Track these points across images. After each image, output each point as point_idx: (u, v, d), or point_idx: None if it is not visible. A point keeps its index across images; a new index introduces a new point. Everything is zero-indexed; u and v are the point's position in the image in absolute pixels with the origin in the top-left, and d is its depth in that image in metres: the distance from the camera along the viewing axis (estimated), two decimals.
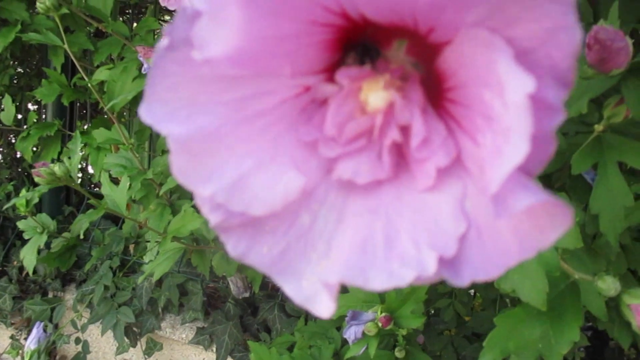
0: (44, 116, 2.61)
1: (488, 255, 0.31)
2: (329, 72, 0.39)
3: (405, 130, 0.36)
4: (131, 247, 2.20)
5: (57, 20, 1.39)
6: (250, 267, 0.36)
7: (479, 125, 0.30)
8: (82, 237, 1.55)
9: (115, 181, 1.52)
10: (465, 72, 0.32)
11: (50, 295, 2.37)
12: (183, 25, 0.31)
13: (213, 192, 0.32)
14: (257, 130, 0.35)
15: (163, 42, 0.32)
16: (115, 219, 2.27)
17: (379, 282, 0.30)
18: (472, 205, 0.33)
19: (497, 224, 0.31)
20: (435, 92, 0.37)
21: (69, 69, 2.34)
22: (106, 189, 1.33)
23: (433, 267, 0.30)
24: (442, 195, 0.33)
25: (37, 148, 1.98)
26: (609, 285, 0.73)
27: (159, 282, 2.11)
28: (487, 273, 0.31)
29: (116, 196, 1.32)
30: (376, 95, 0.34)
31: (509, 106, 0.26)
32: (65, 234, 1.88)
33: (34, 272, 2.19)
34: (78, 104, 2.66)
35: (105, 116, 1.80)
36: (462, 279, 0.31)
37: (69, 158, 1.16)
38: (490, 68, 0.28)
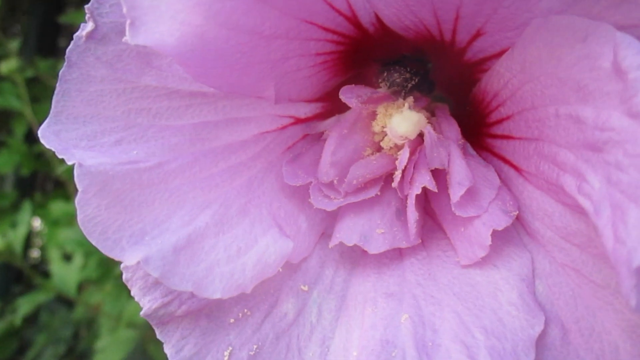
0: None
1: None
2: (329, 102, 0.29)
3: (437, 176, 0.25)
4: (84, 330, 1.99)
5: (21, 84, 1.32)
6: None
7: (567, 162, 0.19)
8: (18, 324, 1.37)
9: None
10: (535, 87, 0.21)
11: None
12: (116, 3, 0.21)
13: (144, 258, 0.20)
14: (223, 171, 0.24)
15: (85, 28, 0.21)
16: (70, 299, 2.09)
17: None
18: (547, 289, 0.21)
19: (598, 319, 0.19)
20: (475, 131, 0.27)
21: (35, 140, 2.23)
22: (56, 267, 1.18)
23: None
24: (498, 273, 0.22)
25: None
26: None
27: None
28: None
29: (67, 275, 1.17)
30: (402, 119, 0.23)
31: None
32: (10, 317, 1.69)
33: None
34: (43, 176, 2.53)
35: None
36: None
37: (14, 231, 1.02)
38: (589, 69, 0.18)
